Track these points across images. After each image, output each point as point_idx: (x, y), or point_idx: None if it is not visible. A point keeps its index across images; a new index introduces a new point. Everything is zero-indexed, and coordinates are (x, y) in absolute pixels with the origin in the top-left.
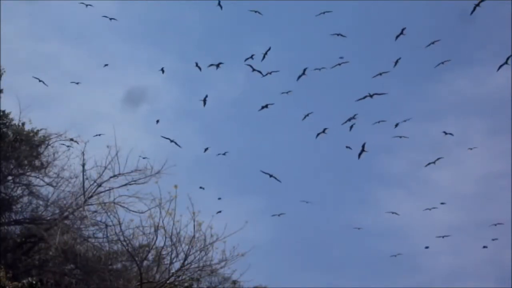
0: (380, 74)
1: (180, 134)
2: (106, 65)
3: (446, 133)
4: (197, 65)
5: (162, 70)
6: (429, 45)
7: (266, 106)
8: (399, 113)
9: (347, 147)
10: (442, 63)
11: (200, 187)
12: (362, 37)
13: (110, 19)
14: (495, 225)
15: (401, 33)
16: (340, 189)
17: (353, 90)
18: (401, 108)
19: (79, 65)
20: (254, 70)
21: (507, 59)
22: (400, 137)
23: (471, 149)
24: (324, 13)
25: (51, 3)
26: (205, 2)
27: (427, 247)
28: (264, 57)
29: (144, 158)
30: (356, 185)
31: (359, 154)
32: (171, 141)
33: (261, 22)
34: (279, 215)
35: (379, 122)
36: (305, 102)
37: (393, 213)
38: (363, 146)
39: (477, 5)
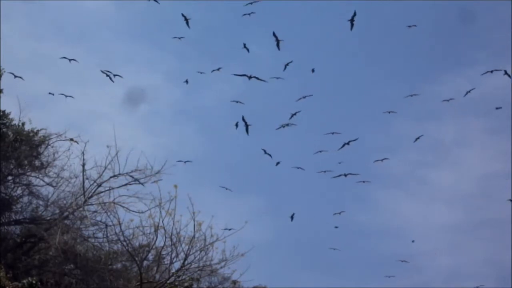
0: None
1: (179, 134)
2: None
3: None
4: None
5: (186, 81)
6: (410, 26)
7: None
8: (399, 113)
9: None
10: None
11: (185, 161)
12: (362, 37)
13: (70, 60)
14: None
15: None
16: (339, 189)
17: (352, 90)
18: (399, 107)
19: (78, 65)
20: (250, 77)
21: (493, 70)
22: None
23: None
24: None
25: (50, 3)
26: (205, 2)
27: (413, 241)
28: (285, 67)
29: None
30: (355, 185)
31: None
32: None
33: (261, 22)
34: (292, 217)
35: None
36: (305, 102)
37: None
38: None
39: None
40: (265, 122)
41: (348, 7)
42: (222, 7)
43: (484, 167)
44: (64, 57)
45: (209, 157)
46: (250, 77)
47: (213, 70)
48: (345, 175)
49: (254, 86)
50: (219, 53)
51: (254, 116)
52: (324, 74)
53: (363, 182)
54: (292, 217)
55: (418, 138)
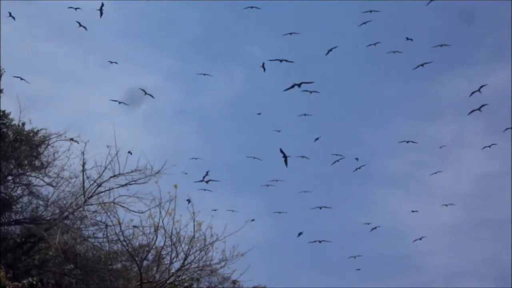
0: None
1: (178, 134)
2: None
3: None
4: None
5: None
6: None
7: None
8: (398, 112)
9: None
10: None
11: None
12: (362, 37)
13: (75, 9)
14: None
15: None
16: (338, 190)
17: (352, 90)
18: (399, 108)
19: (78, 65)
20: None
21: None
22: (408, 141)
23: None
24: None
25: (49, 3)
26: (204, 2)
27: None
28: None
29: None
30: (354, 186)
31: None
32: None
33: (260, 22)
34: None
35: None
36: (304, 102)
37: (408, 141)
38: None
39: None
40: (265, 122)
41: (348, 7)
42: (222, 7)
43: (484, 167)
44: (71, 7)
45: (209, 157)
46: (281, 61)
47: (199, 74)
48: (299, 85)
49: (253, 86)
50: (219, 53)
51: (254, 116)
52: (324, 74)
53: (359, 168)
54: (299, 234)
55: (408, 141)
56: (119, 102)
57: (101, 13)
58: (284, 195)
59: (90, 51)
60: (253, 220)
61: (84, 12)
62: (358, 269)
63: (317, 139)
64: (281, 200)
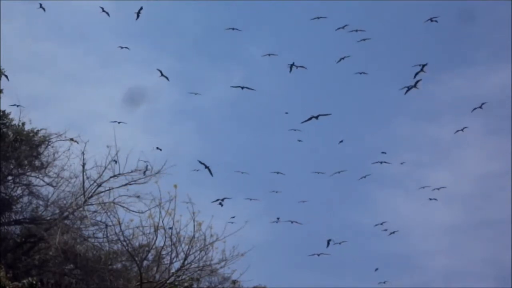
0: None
1: (178, 134)
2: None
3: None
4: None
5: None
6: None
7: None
8: (398, 112)
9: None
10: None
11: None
12: (362, 37)
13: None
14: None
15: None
16: (338, 190)
17: (352, 90)
18: (399, 107)
19: (77, 65)
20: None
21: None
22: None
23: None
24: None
25: (48, 3)
26: (204, 2)
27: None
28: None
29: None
30: (353, 186)
31: None
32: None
33: (259, 22)
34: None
35: None
36: (304, 102)
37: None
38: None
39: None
40: (265, 122)
41: (348, 7)
42: (222, 7)
43: (483, 167)
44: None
45: (208, 157)
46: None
47: (191, 92)
48: (316, 117)
49: (253, 86)
50: (219, 53)
51: (253, 116)
52: (324, 74)
53: (364, 177)
54: (328, 242)
55: (381, 162)
56: (118, 122)
57: (138, 16)
58: (283, 195)
59: (90, 51)
60: (246, 222)
61: (83, 12)
62: (377, 269)
63: (341, 141)
64: (281, 200)
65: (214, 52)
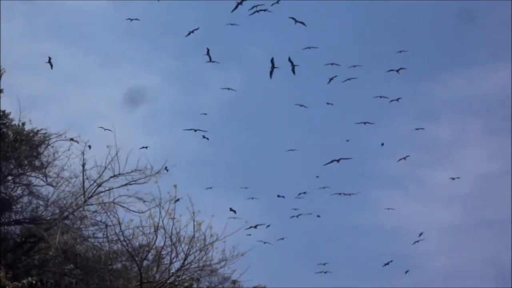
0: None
1: (178, 134)
2: None
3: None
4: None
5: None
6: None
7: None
8: (398, 112)
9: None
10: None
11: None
12: (362, 37)
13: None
14: None
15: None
16: (337, 190)
17: (351, 90)
18: (398, 107)
19: (77, 65)
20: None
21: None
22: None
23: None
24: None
25: (48, 3)
26: (204, 2)
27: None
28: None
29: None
30: (352, 186)
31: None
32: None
33: (259, 22)
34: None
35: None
36: (304, 102)
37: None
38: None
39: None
40: (264, 122)
41: (348, 7)
42: (222, 7)
43: (483, 167)
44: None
45: (208, 157)
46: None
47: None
48: (338, 161)
49: (252, 87)
50: (219, 53)
51: (253, 116)
52: (323, 74)
53: (350, 195)
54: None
55: (365, 123)
56: (105, 129)
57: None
58: (283, 194)
59: (90, 51)
60: (246, 221)
61: (83, 12)
62: (386, 264)
63: (347, 140)
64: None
65: (214, 52)
